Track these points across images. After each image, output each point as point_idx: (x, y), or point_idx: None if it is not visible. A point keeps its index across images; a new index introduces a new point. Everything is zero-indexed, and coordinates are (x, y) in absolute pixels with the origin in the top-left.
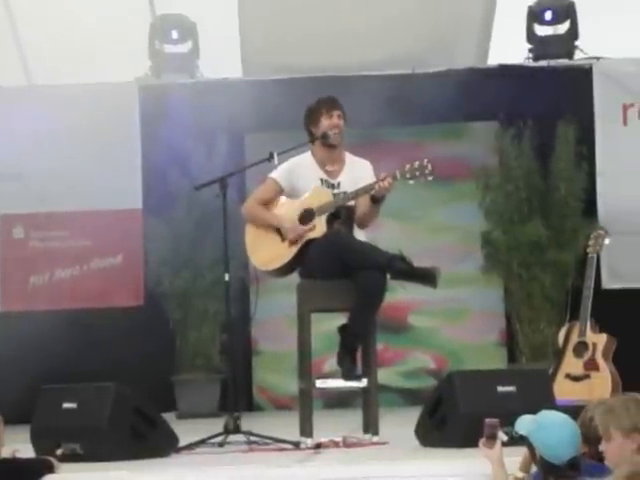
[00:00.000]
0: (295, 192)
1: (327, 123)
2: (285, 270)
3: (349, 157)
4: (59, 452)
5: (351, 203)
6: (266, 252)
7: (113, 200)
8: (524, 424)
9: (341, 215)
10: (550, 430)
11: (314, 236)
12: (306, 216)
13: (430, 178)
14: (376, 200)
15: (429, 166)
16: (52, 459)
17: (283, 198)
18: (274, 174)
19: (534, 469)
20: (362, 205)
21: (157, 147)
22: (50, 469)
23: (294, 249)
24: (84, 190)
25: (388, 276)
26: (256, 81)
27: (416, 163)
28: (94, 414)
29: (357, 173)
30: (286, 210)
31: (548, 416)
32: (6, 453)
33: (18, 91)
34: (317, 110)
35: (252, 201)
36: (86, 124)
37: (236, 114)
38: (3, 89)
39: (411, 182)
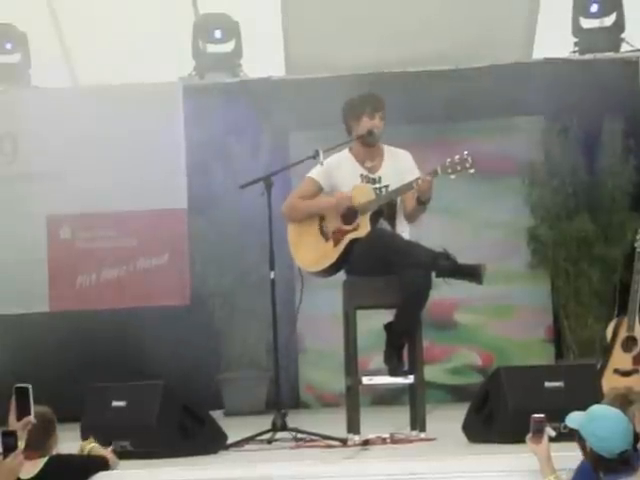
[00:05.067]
0: (335, 190)
1: (369, 124)
2: (330, 271)
3: (387, 149)
4: (109, 449)
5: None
6: (310, 252)
7: (158, 200)
8: (575, 418)
9: (384, 212)
10: (602, 422)
11: (358, 236)
12: (349, 215)
13: (472, 171)
14: (422, 202)
15: (469, 159)
16: (109, 456)
17: (323, 196)
18: (311, 173)
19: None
20: (408, 204)
21: (201, 146)
22: (105, 466)
23: (339, 249)
24: (129, 190)
25: (433, 274)
26: (299, 79)
27: (456, 157)
28: (143, 412)
29: (398, 164)
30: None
31: (600, 409)
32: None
33: (63, 92)
34: (360, 107)
35: (292, 198)
36: (131, 124)
37: (280, 112)
38: (49, 90)
39: (452, 177)
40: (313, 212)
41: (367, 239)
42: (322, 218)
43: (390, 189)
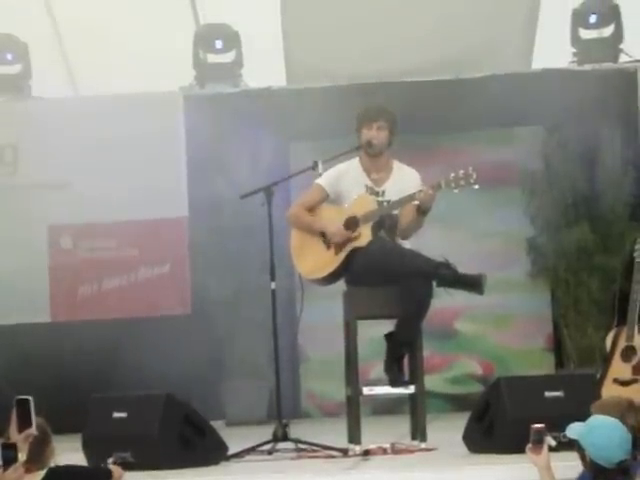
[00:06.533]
0: (340, 198)
1: (368, 135)
2: (331, 279)
3: (397, 165)
4: (110, 461)
5: (395, 212)
6: (311, 260)
7: (159, 209)
8: (575, 428)
9: (385, 223)
10: (600, 432)
11: (359, 245)
12: (350, 224)
13: (475, 186)
14: (422, 211)
15: (474, 174)
16: (115, 468)
17: (327, 205)
18: (320, 180)
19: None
20: (406, 215)
21: (202, 156)
22: (107, 478)
23: (340, 258)
24: (130, 200)
25: (434, 283)
26: (300, 89)
27: (461, 172)
28: (144, 423)
29: (404, 182)
30: (330, 217)
31: (599, 419)
32: None
33: (64, 102)
34: (360, 119)
35: (297, 206)
36: (132, 134)
37: (280, 123)
38: (50, 100)
39: (456, 191)
40: (312, 230)
41: (368, 248)
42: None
43: None
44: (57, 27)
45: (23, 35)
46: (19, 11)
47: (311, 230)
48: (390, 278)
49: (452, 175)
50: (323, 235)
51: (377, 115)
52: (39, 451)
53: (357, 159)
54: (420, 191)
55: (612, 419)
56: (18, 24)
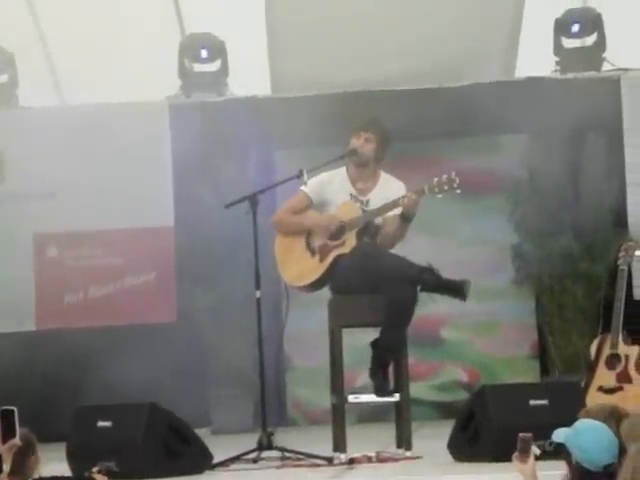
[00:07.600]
0: (325, 206)
1: (356, 144)
2: (316, 286)
3: (384, 177)
4: (95, 470)
5: (377, 221)
6: (296, 268)
7: (145, 218)
8: (561, 432)
9: (370, 230)
10: (587, 435)
11: (344, 251)
12: (336, 231)
13: (458, 191)
14: (406, 218)
15: (457, 179)
16: (100, 477)
17: (311, 212)
18: (305, 187)
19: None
20: (390, 224)
21: (188, 165)
22: None
23: (324, 265)
24: (116, 208)
25: (418, 289)
26: (285, 98)
27: (444, 177)
28: (129, 432)
29: (389, 193)
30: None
31: (585, 423)
32: None
33: (50, 111)
34: (352, 129)
35: (282, 211)
36: (118, 143)
37: (266, 131)
38: (36, 110)
39: (439, 196)
40: (302, 228)
41: (352, 254)
42: (309, 233)
43: None
44: (44, 37)
45: (9, 45)
46: (5, 21)
47: (298, 229)
48: (374, 283)
49: (435, 180)
50: (308, 236)
51: (367, 126)
52: (22, 461)
53: (344, 168)
54: (404, 197)
55: (599, 423)
56: (4, 34)
